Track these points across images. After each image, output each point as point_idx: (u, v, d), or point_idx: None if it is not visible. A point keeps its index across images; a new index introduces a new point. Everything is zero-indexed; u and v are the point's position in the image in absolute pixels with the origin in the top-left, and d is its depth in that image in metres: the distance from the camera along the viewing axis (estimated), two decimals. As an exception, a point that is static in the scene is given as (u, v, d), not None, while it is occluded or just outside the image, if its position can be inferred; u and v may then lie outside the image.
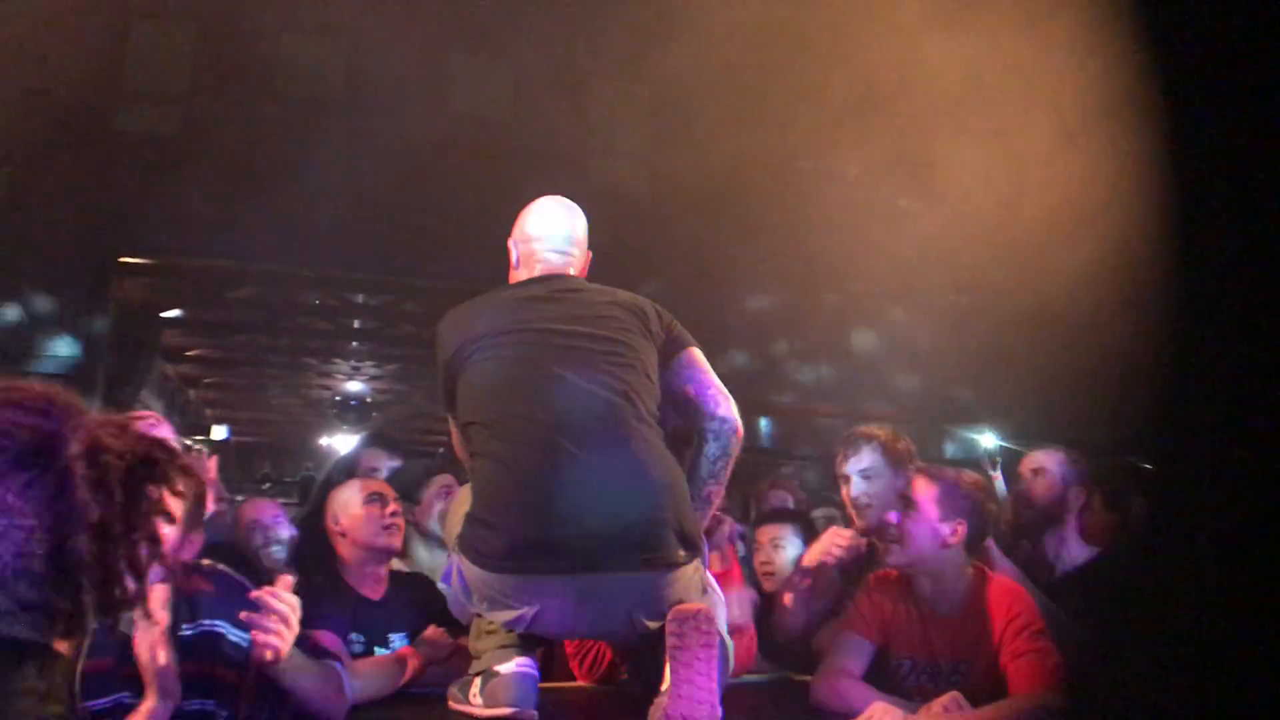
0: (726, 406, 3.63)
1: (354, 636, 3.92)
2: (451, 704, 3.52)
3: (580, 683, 4.10)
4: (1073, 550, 4.57)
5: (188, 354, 17.79)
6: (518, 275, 3.86)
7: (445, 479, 5.20)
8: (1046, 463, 4.71)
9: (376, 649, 3.95)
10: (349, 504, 4.12)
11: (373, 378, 20.07)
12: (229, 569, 3.25)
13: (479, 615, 3.49)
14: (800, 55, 7.24)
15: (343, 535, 4.11)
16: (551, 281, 3.73)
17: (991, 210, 6.24)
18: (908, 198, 6.57)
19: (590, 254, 3.96)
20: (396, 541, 4.17)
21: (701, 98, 8.94)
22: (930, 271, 7.57)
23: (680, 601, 3.22)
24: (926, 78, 6.44)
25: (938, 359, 9.25)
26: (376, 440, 6.24)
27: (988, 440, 10.32)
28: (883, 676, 3.79)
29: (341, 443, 20.58)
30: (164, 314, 13.69)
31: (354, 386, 20.66)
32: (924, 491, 3.82)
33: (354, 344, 17.33)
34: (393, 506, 4.16)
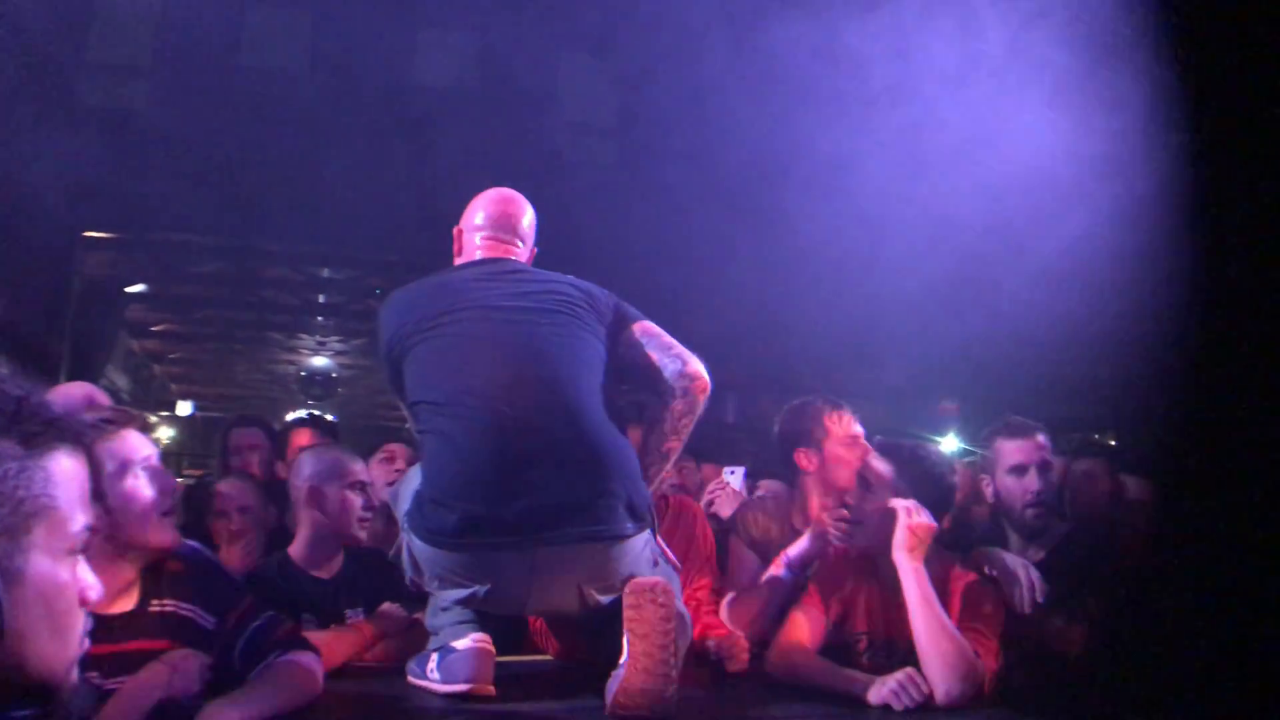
0: (695, 364, 3.65)
1: (305, 616, 3.88)
2: (410, 679, 3.53)
3: (540, 657, 4.12)
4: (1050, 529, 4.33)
5: (153, 329, 17.68)
6: (459, 262, 3.91)
7: (389, 448, 5.20)
8: (1038, 455, 4.30)
9: (333, 626, 3.92)
10: (333, 481, 4.08)
11: (338, 353, 20.00)
12: (202, 547, 3.25)
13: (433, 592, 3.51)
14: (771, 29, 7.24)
15: (316, 509, 4.06)
16: (494, 264, 3.78)
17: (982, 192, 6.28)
18: (894, 179, 6.58)
19: (535, 250, 4.00)
20: (364, 536, 4.14)
21: (670, 72, 8.94)
22: (912, 255, 7.59)
23: (631, 575, 3.24)
24: (918, 60, 6.46)
25: (913, 339, 9.28)
26: (311, 421, 6.24)
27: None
28: (840, 649, 3.81)
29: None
30: (129, 289, 13.61)
31: (319, 361, 20.57)
32: (880, 471, 3.83)
33: (319, 319, 17.26)
34: (372, 500, 4.15)
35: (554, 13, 10.11)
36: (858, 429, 4.58)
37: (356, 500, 4.06)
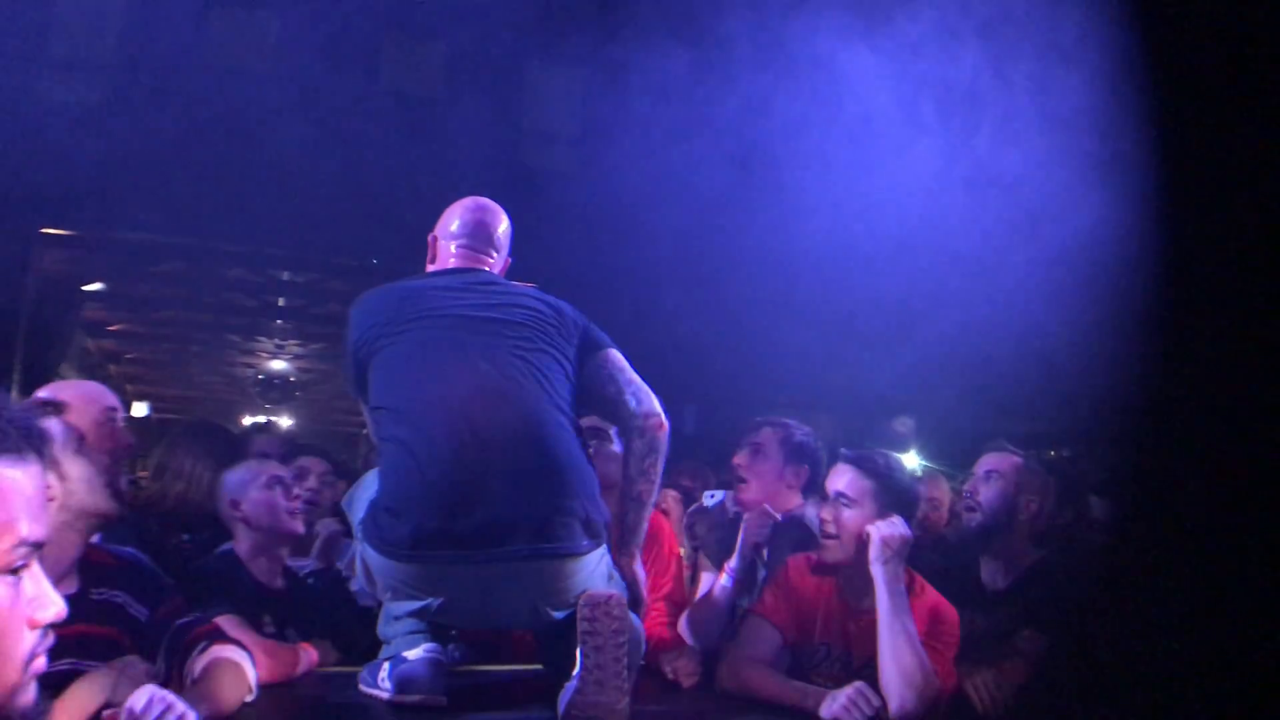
0: (650, 402, 3.63)
1: (265, 618, 3.86)
2: (362, 688, 3.52)
3: (492, 667, 4.11)
4: (1021, 556, 4.39)
5: (109, 328, 17.50)
6: (432, 270, 3.89)
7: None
8: (999, 465, 4.49)
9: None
10: (248, 487, 4.05)
11: (297, 356, 19.84)
12: (131, 549, 3.31)
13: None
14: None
15: (243, 522, 4.05)
16: (465, 273, 3.76)
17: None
18: (858, 200, 6.61)
19: (510, 260, 3.98)
20: (300, 527, 4.10)
21: (635, 82, 8.94)
22: (873, 271, 7.62)
23: (585, 590, 3.23)
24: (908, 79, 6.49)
25: (874, 353, 9.31)
26: (268, 428, 6.15)
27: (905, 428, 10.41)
28: (796, 659, 3.80)
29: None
30: (86, 287, 13.50)
31: (278, 365, 20.42)
32: (856, 486, 3.80)
33: (278, 321, 17.13)
34: (296, 490, 4.13)
35: (520, 20, 10.11)
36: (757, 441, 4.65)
37: (278, 497, 4.03)
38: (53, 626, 2.76)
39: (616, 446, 3.91)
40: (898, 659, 3.46)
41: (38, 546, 1.59)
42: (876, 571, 3.58)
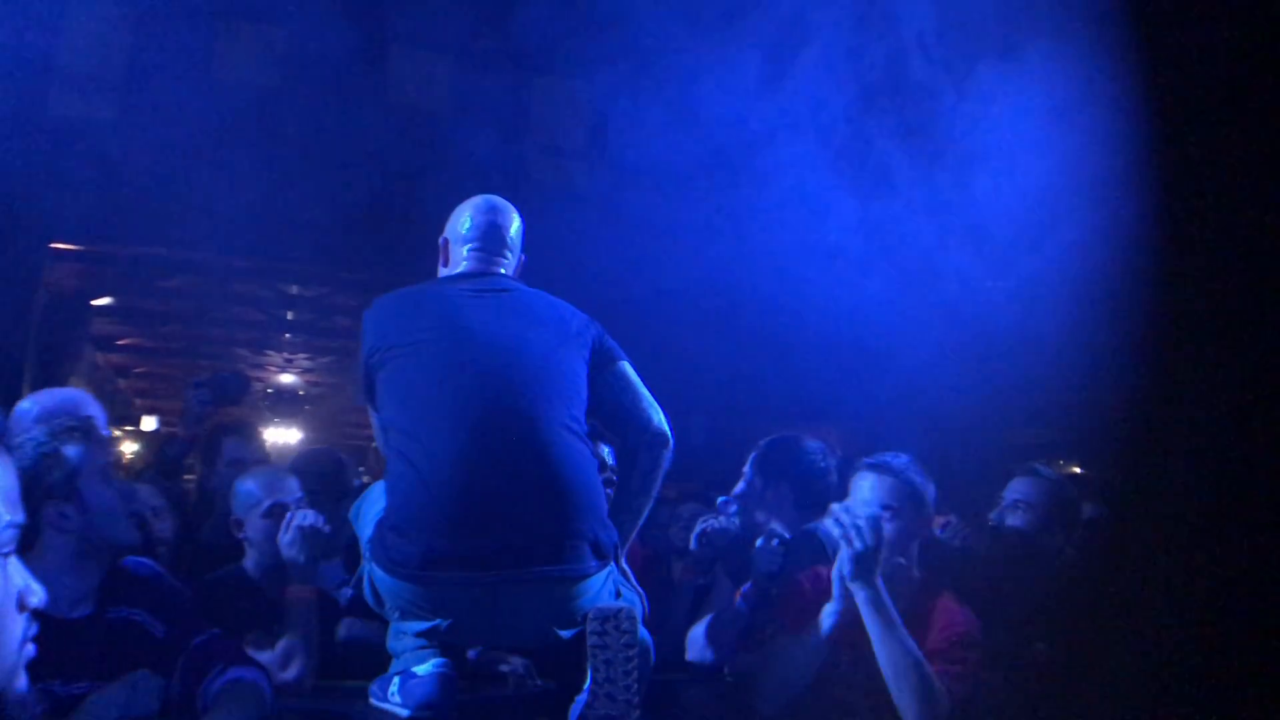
0: (662, 421, 3.63)
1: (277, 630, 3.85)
2: (372, 702, 3.51)
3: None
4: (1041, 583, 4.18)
5: (119, 342, 17.56)
6: (445, 273, 3.85)
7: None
8: (1029, 495, 4.31)
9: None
10: (252, 511, 4.05)
11: (306, 370, 19.86)
12: (151, 561, 3.28)
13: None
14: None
15: (245, 539, 4.06)
16: (480, 280, 3.70)
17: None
18: (864, 208, 6.60)
19: (524, 258, 3.94)
20: (299, 556, 3.92)
21: (644, 97, 8.95)
22: (876, 282, 7.61)
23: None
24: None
25: (878, 363, 9.30)
26: (239, 431, 5.77)
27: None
28: (830, 672, 3.73)
29: (273, 435, 20.38)
30: (95, 301, 13.53)
31: (287, 379, 20.44)
32: (878, 493, 3.72)
33: (287, 336, 17.16)
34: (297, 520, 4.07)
35: (526, 35, 10.13)
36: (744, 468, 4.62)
37: (275, 526, 3.96)
38: (69, 648, 2.75)
39: None
40: (902, 675, 3.36)
41: (19, 530, 1.61)
42: (852, 587, 3.43)
